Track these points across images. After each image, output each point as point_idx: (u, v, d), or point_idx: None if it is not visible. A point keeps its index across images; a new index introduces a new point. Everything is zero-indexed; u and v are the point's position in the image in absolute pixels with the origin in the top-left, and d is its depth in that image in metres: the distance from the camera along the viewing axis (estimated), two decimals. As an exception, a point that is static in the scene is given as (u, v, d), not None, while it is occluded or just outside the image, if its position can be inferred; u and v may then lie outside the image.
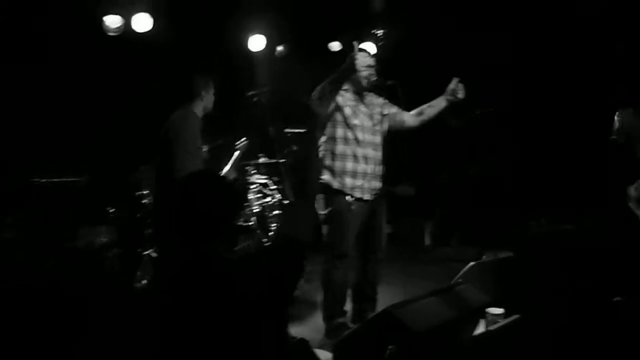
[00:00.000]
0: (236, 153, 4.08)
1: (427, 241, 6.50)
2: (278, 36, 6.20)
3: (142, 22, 5.16)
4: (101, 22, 5.05)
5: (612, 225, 3.45)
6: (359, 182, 3.41)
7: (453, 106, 3.59)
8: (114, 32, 5.08)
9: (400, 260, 5.54)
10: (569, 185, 5.19)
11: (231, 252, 1.53)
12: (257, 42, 6.00)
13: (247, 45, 5.99)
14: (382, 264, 3.60)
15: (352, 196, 3.40)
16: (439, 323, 2.33)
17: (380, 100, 3.65)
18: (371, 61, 3.55)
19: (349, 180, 3.40)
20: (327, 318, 3.51)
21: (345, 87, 3.47)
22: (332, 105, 3.41)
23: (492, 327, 2.54)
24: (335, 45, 6.62)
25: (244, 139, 4.17)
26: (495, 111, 4.66)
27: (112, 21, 5.06)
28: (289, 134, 5.61)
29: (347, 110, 3.43)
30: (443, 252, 5.97)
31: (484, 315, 2.71)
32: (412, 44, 5.92)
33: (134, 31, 5.16)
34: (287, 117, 5.14)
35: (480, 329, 2.70)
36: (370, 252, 3.55)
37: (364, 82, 3.50)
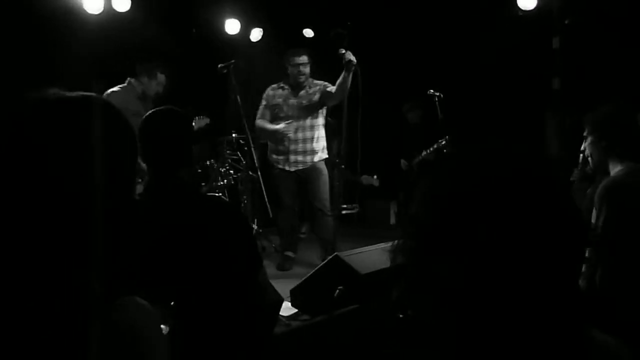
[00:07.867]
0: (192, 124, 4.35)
1: (393, 220, 6.84)
2: (253, 20, 6.43)
3: (122, 2, 5.34)
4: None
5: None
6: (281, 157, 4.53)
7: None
8: (94, 11, 5.24)
9: (366, 237, 5.83)
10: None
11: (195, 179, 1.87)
12: (232, 26, 6.23)
13: (223, 29, 6.23)
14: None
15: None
16: (381, 268, 2.65)
17: (318, 87, 4.47)
18: (301, 60, 4.38)
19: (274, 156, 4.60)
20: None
21: (281, 84, 4.50)
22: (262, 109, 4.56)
23: None
24: (309, 32, 6.88)
25: (206, 117, 4.53)
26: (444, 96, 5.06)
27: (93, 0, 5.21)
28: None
29: (275, 108, 4.48)
30: (405, 230, 6.30)
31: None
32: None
33: (114, 10, 5.32)
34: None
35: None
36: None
37: (292, 79, 4.43)
